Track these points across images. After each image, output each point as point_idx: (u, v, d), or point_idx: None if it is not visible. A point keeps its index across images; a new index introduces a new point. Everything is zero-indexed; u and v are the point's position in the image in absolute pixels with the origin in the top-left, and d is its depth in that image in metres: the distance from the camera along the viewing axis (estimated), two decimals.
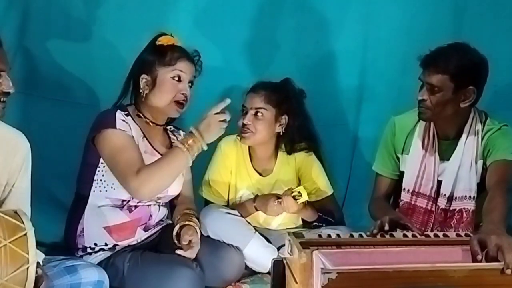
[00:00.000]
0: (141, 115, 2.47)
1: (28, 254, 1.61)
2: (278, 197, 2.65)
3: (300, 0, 3.31)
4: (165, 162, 2.31)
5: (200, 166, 2.86)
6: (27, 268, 1.61)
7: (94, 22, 3.07)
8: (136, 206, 2.43)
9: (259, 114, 2.74)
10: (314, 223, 2.75)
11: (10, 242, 1.60)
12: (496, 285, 1.74)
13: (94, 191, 2.39)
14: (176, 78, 2.43)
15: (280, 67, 3.21)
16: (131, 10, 3.11)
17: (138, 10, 3.10)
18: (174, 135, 2.62)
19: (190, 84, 2.47)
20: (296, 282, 1.82)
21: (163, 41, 2.46)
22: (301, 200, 2.62)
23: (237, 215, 2.68)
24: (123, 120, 2.37)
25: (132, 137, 2.37)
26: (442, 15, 3.26)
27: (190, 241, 2.39)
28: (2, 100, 1.88)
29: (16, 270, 1.59)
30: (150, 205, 2.48)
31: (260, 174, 2.85)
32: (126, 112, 2.43)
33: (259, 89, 2.77)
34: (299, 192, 2.62)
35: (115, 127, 2.34)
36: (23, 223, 1.66)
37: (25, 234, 1.63)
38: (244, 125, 2.74)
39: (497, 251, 1.79)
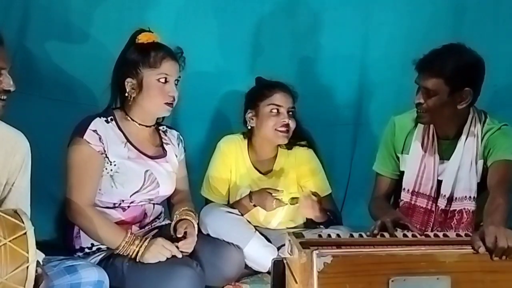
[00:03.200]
0: (129, 118, 2.45)
1: (28, 253, 1.61)
2: (275, 192, 2.68)
3: (299, 1, 3.31)
4: (104, 230, 2.32)
5: (200, 167, 2.87)
6: (27, 267, 1.60)
7: (94, 23, 3.08)
8: (129, 206, 2.44)
9: (292, 113, 2.79)
10: (319, 225, 2.75)
11: (10, 241, 1.60)
12: (486, 272, 1.77)
13: None
14: (162, 80, 2.40)
15: (279, 67, 3.21)
16: (130, 11, 3.11)
17: (138, 11, 3.11)
18: (166, 135, 2.61)
19: (176, 82, 2.45)
20: (296, 282, 1.82)
21: (142, 39, 2.42)
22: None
23: (237, 214, 2.69)
24: (94, 131, 2.35)
25: (97, 152, 2.35)
26: (441, 15, 3.27)
27: (185, 233, 2.39)
28: (2, 98, 1.88)
29: (16, 269, 1.59)
30: (144, 204, 2.48)
31: (260, 172, 2.86)
32: (110, 117, 2.42)
33: (284, 88, 2.81)
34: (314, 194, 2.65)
35: (82, 136, 2.34)
36: (22, 222, 1.66)
37: (25, 233, 1.63)
38: (286, 124, 2.76)
39: (495, 242, 1.81)
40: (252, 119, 2.82)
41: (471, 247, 1.83)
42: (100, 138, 2.36)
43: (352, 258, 1.70)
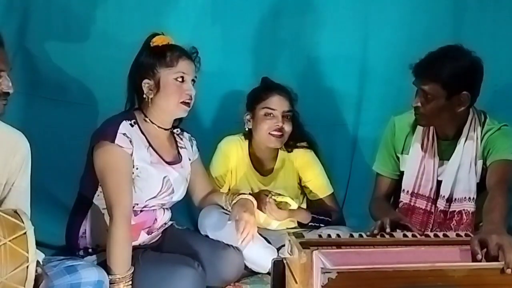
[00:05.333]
0: (148, 120, 2.43)
1: (27, 252, 1.61)
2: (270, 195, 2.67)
3: (300, 2, 3.31)
4: (120, 252, 2.21)
5: None
6: (27, 267, 1.60)
7: (94, 22, 3.08)
8: (141, 211, 2.41)
9: (288, 116, 2.77)
10: (310, 224, 2.75)
11: (10, 241, 1.60)
12: (496, 285, 1.73)
13: (98, 195, 2.37)
14: (180, 79, 2.38)
15: (280, 67, 3.22)
16: (131, 10, 3.11)
17: (138, 10, 3.11)
18: (180, 138, 2.60)
19: (192, 82, 2.44)
20: (296, 282, 1.81)
21: (157, 41, 2.41)
22: (288, 207, 2.67)
23: None
24: (124, 134, 2.30)
25: (130, 155, 2.30)
26: (441, 15, 3.27)
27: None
28: (2, 99, 1.88)
29: (16, 268, 1.59)
30: (155, 209, 2.46)
31: (261, 174, 2.86)
32: (133, 121, 2.38)
33: (281, 91, 2.79)
34: (286, 202, 2.67)
35: (113, 141, 2.28)
36: (22, 222, 1.66)
37: (25, 233, 1.63)
38: (280, 128, 2.74)
39: (498, 250, 1.79)
40: (249, 121, 2.81)
41: (474, 257, 1.81)
42: (130, 141, 2.31)
43: (358, 273, 1.66)
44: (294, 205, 2.69)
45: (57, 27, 3.07)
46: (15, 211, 1.72)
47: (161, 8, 3.14)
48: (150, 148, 2.40)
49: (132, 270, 2.24)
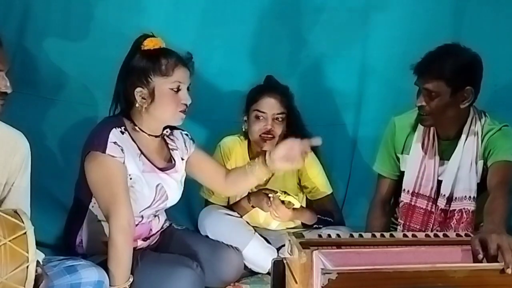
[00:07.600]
0: (137, 129, 2.31)
1: (27, 252, 1.61)
2: (271, 193, 2.66)
3: (300, 2, 3.31)
4: (119, 265, 2.16)
5: None
6: (27, 267, 1.60)
7: (94, 22, 3.08)
8: (137, 224, 2.33)
9: (279, 119, 2.75)
10: (314, 226, 2.75)
11: (9, 241, 1.60)
12: (496, 285, 1.73)
13: (93, 206, 2.33)
14: (175, 89, 2.27)
15: (280, 67, 3.21)
16: (130, 10, 3.11)
17: (138, 10, 3.11)
18: (171, 139, 2.49)
19: (187, 89, 2.34)
20: (296, 282, 1.81)
21: (149, 45, 2.27)
22: (292, 206, 2.66)
23: (236, 216, 2.68)
24: (115, 143, 2.20)
25: (122, 164, 2.21)
26: (442, 15, 3.27)
27: None
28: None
29: (16, 268, 1.59)
30: (151, 220, 2.42)
31: None
32: (123, 127, 2.27)
33: (272, 92, 2.76)
34: (289, 201, 2.65)
35: (104, 151, 2.18)
36: (22, 222, 1.65)
37: (25, 233, 1.63)
38: (268, 131, 2.73)
39: (497, 250, 1.79)
40: (245, 122, 2.81)
41: (475, 257, 1.81)
42: (122, 150, 2.21)
43: (358, 274, 1.65)
44: (297, 204, 2.68)
45: (57, 26, 3.07)
46: (15, 211, 1.71)
47: (162, 8, 3.14)
48: (142, 156, 2.31)
49: (131, 281, 2.20)
